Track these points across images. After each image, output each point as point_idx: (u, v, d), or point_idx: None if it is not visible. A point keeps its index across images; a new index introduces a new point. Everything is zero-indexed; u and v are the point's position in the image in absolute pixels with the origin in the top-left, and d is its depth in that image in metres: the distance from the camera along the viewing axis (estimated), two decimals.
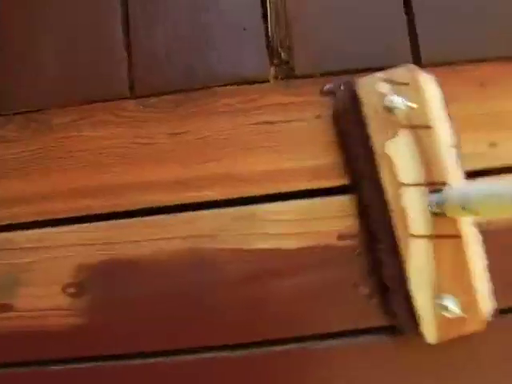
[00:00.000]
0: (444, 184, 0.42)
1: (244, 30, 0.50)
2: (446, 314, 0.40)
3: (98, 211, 0.47)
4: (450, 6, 0.50)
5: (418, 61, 0.49)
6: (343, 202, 0.47)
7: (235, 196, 0.47)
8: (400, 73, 0.44)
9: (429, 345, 0.41)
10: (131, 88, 0.49)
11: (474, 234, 0.43)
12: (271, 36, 0.50)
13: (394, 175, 0.42)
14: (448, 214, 0.41)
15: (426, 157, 0.42)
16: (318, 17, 0.50)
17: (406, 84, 0.43)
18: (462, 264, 0.42)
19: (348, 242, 0.46)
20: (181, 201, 0.47)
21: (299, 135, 0.48)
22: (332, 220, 0.46)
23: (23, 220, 0.47)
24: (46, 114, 0.49)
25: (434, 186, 0.42)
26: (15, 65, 0.50)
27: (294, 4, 0.50)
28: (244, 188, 0.47)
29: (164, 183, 0.47)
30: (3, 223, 0.48)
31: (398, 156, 0.42)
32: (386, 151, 0.42)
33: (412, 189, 0.42)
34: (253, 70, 0.49)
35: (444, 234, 0.41)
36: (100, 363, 0.45)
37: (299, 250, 0.46)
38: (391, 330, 0.45)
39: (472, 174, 0.46)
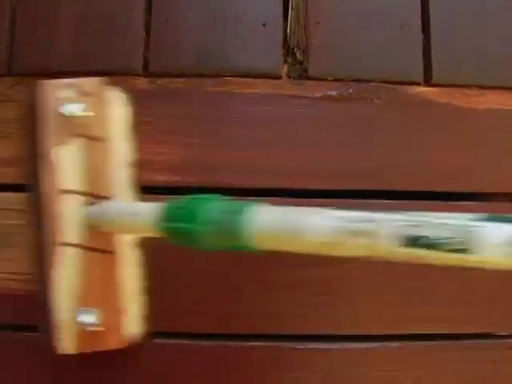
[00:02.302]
0: (104, 198, 0.41)
1: (263, 25, 0.50)
2: (86, 327, 0.40)
3: None
4: (468, 32, 0.51)
5: (428, 79, 0.50)
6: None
7: None
8: (88, 82, 0.43)
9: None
10: (145, 66, 0.49)
11: (133, 253, 0.43)
12: (289, 35, 0.50)
13: (54, 180, 0.41)
14: (103, 229, 0.41)
15: (94, 168, 0.42)
16: (338, 23, 0.51)
17: (90, 94, 0.43)
18: (110, 281, 0.41)
19: None
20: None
21: None
22: None
23: (17, 181, 0.47)
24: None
25: (96, 198, 0.41)
26: (32, 29, 0.50)
27: (316, 7, 0.51)
28: None
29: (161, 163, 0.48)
30: None
31: (64, 163, 0.41)
32: (52, 156, 0.41)
33: (70, 196, 0.41)
34: (267, 65, 0.50)
35: (95, 247, 0.41)
36: None
37: None
38: None
39: None
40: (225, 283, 0.46)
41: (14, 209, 0.47)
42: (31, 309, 0.44)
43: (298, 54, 0.50)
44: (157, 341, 0.45)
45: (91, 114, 0.42)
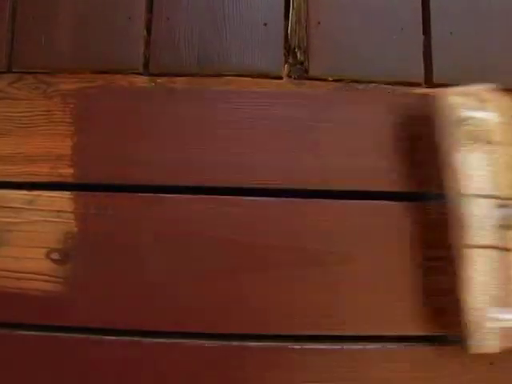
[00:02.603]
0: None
1: (264, 25, 0.50)
2: (503, 326, 0.40)
3: (95, 181, 0.47)
4: (467, 33, 0.51)
5: (429, 79, 0.50)
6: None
7: None
8: (481, 89, 0.44)
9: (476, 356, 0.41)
10: (145, 65, 0.49)
11: None
12: (290, 35, 0.50)
13: (462, 185, 0.42)
14: None
15: (498, 172, 0.43)
16: (339, 23, 0.51)
17: (485, 101, 0.44)
18: None
19: None
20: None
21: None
22: None
23: (17, 179, 0.47)
24: (57, 78, 0.49)
25: (502, 200, 0.42)
26: (32, 26, 0.50)
27: (317, 8, 0.51)
28: None
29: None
30: None
31: (468, 167, 0.42)
32: (457, 161, 0.43)
33: (479, 200, 0.42)
34: (267, 65, 0.50)
35: (509, 247, 0.41)
36: (73, 335, 0.45)
37: None
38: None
39: None
40: None
41: (12, 207, 0.47)
42: (26, 307, 0.45)
43: (298, 54, 0.50)
44: None
45: (491, 119, 0.43)
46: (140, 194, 0.47)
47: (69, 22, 0.50)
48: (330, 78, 0.50)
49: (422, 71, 0.50)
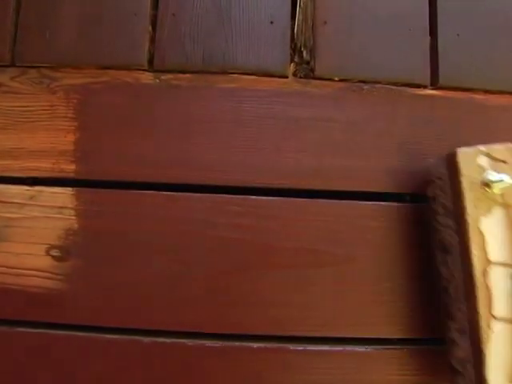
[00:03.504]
0: None
1: (271, 23, 0.50)
2: None
3: (97, 178, 0.47)
4: (474, 34, 0.51)
5: (435, 82, 0.50)
6: None
7: None
8: (500, 149, 0.43)
9: None
10: (150, 61, 0.49)
11: None
12: (296, 34, 0.50)
13: (484, 251, 0.40)
14: None
15: None
16: (345, 24, 0.50)
17: (505, 162, 0.42)
18: None
19: None
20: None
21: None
22: None
23: (19, 174, 0.47)
24: (60, 72, 0.48)
25: None
26: (36, 20, 0.49)
27: (324, 7, 0.50)
28: None
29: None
30: None
31: (490, 233, 0.41)
32: (480, 226, 0.41)
33: (500, 268, 0.40)
34: (273, 63, 0.49)
35: None
36: (73, 333, 0.45)
37: None
38: None
39: None
40: None
41: (13, 202, 0.46)
42: (25, 304, 0.44)
43: (304, 54, 0.50)
44: None
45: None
46: (143, 192, 0.46)
47: (74, 17, 0.49)
48: (335, 78, 0.49)
49: (428, 72, 0.50)
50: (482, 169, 0.41)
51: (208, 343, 0.45)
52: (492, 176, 0.41)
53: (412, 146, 0.48)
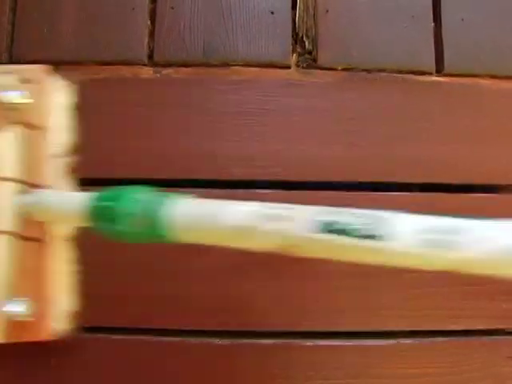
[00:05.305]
0: (39, 187, 0.40)
1: (271, 13, 0.49)
2: (14, 316, 0.38)
3: (97, 175, 0.46)
4: (479, 19, 0.50)
5: (440, 69, 0.49)
6: None
7: None
8: (31, 69, 0.42)
9: None
10: (150, 56, 0.48)
11: (66, 246, 0.42)
12: (298, 23, 0.49)
13: None
14: (36, 218, 0.39)
15: (30, 157, 0.40)
16: (348, 12, 0.49)
17: (31, 81, 0.41)
18: (42, 271, 0.40)
19: None
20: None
21: None
22: None
23: None
24: (59, 70, 0.47)
25: (30, 186, 0.40)
26: (34, 16, 0.49)
27: None
28: None
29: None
30: None
31: (0, 149, 0.40)
32: None
33: (4, 183, 0.39)
34: (275, 54, 0.49)
35: (28, 236, 0.39)
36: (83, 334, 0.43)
37: None
38: None
39: None
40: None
41: None
42: None
43: (307, 43, 0.49)
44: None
45: (30, 101, 0.40)
46: None
47: (71, 13, 0.48)
48: (339, 67, 0.48)
49: (433, 59, 0.49)
50: (2, 87, 0.40)
51: (218, 341, 0.44)
52: (6, 94, 0.40)
53: (418, 134, 0.48)
